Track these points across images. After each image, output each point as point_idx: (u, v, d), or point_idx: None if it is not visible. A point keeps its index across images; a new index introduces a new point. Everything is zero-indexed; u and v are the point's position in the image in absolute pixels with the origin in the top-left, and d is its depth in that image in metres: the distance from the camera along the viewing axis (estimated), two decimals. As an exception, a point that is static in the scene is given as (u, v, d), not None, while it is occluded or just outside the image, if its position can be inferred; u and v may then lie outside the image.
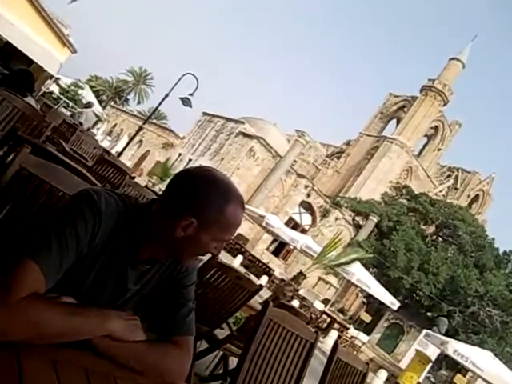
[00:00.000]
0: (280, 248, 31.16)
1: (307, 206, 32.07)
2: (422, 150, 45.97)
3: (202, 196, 1.05)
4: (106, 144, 29.36)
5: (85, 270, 1.04)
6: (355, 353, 13.04)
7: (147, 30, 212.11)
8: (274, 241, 29.88)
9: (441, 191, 44.31)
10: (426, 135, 44.45)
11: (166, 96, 13.88)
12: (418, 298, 26.25)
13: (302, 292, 17.14)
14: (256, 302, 3.52)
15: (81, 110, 14.37)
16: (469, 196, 45.47)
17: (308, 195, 31.52)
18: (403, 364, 19.50)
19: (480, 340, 24.21)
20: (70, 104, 22.46)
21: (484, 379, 12.25)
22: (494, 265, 28.99)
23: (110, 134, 43.36)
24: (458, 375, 18.74)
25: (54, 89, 22.66)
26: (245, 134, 31.38)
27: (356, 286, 22.28)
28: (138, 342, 1.02)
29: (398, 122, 44.09)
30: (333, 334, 13.42)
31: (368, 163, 41.20)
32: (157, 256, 1.12)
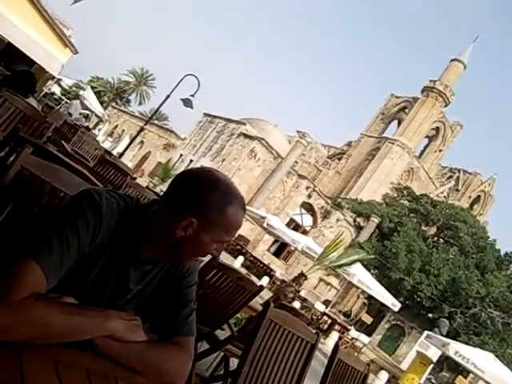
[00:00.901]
0: (281, 249, 31.14)
1: (308, 207, 32.05)
2: (423, 151, 45.93)
3: (203, 196, 1.05)
4: (107, 145, 29.42)
5: (86, 270, 1.04)
6: (356, 354, 13.02)
7: (148, 31, 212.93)
8: (274, 242, 29.87)
9: (442, 192, 44.25)
10: (427, 136, 44.40)
11: (168, 97, 13.91)
12: (419, 299, 26.19)
13: (302, 293, 17.14)
14: (257, 302, 3.52)
15: (69, 101, 15.03)
16: (470, 197, 45.40)
17: (309, 196, 31.51)
18: (404, 365, 19.45)
19: (481, 341, 24.13)
20: (72, 105, 22.47)
21: (485, 381, 12.20)
22: (496, 266, 28.93)
23: (111, 134, 43.42)
24: (460, 377, 18.70)
25: (56, 90, 22.70)
26: (246, 135, 31.39)
27: (357, 288, 22.25)
28: (139, 343, 1.02)
29: (399, 123, 44.06)
30: (334, 336, 13.41)
31: (369, 164, 41.17)
32: (158, 256, 1.13)
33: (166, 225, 1.06)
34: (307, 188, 31.38)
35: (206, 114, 36.56)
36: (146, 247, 1.09)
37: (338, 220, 32.13)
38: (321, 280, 29.56)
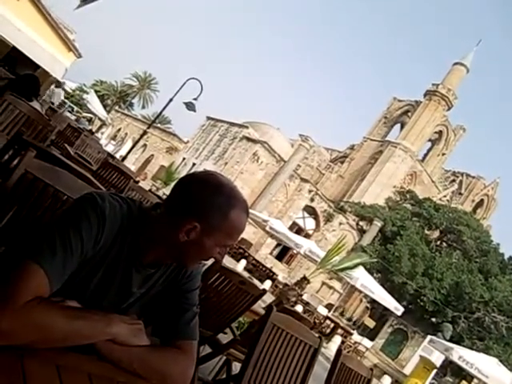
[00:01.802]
0: (283, 253, 31.10)
1: (311, 211, 32.02)
2: (426, 155, 45.84)
3: (207, 201, 1.05)
4: (110, 148, 29.53)
5: (89, 273, 1.04)
6: (359, 358, 12.95)
7: (149, 32, 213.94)
8: (277, 245, 29.84)
9: (445, 196, 44.11)
10: (430, 140, 44.33)
11: (171, 100, 13.94)
12: (422, 303, 26.06)
13: (305, 297, 17.08)
14: (259, 306, 3.51)
15: (53, 88, 15.21)
16: (473, 201, 45.23)
17: (312, 200, 31.48)
18: (407, 370, 19.34)
19: (485, 346, 23.98)
20: (75, 108, 22.59)
21: (489, 386, 12.12)
22: (499, 270, 28.78)
23: (114, 138, 43.59)
24: (463, 382, 18.56)
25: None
26: (249, 139, 31.44)
27: (360, 292, 22.18)
28: (142, 347, 1.02)
29: (401, 127, 44.02)
30: (336, 340, 13.36)
31: (372, 168, 41.11)
32: (161, 260, 1.12)
33: (168, 229, 1.06)
34: (310, 191, 31.36)
35: (208, 118, 36.66)
36: (148, 251, 1.09)
37: (340, 224, 32.08)
38: (323, 284, 29.48)
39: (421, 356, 13.79)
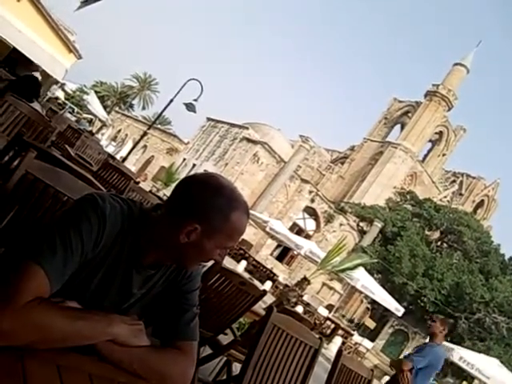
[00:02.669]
0: (284, 253, 31.09)
1: (311, 212, 32.02)
2: (426, 156, 45.85)
3: (207, 202, 1.05)
4: (110, 149, 29.53)
5: (89, 274, 1.04)
6: (359, 359, 12.95)
7: (149, 33, 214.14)
8: (277, 246, 29.83)
9: (445, 197, 44.11)
10: (430, 140, 44.35)
11: (171, 101, 13.95)
12: (422, 304, 26.05)
13: (305, 298, 17.07)
14: (260, 307, 3.51)
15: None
16: (474, 201, 45.22)
17: (312, 200, 31.48)
18: (408, 371, 19.28)
19: (486, 347, 23.96)
20: (76, 109, 22.62)
21: (490, 387, 12.11)
22: (500, 271, 28.77)
23: (114, 139, 43.62)
24: (464, 383, 18.55)
25: (60, 94, 22.81)
26: (249, 140, 31.45)
27: (360, 292, 22.17)
28: (142, 347, 1.02)
29: (402, 128, 44.04)
30: (337, 341, 13.35)
31: (372, 168, 41.12)
32: (161, 261, 1.12)
33: (169, 230, 1.06)
34: (310, 192, 31.37)
35: (208, 119, 36.67)
36: (149, 252, 1.09)
37: (341, 224, 32.08)
38: (324, 284, 29.47)
39: (421, 357, 13.74)
